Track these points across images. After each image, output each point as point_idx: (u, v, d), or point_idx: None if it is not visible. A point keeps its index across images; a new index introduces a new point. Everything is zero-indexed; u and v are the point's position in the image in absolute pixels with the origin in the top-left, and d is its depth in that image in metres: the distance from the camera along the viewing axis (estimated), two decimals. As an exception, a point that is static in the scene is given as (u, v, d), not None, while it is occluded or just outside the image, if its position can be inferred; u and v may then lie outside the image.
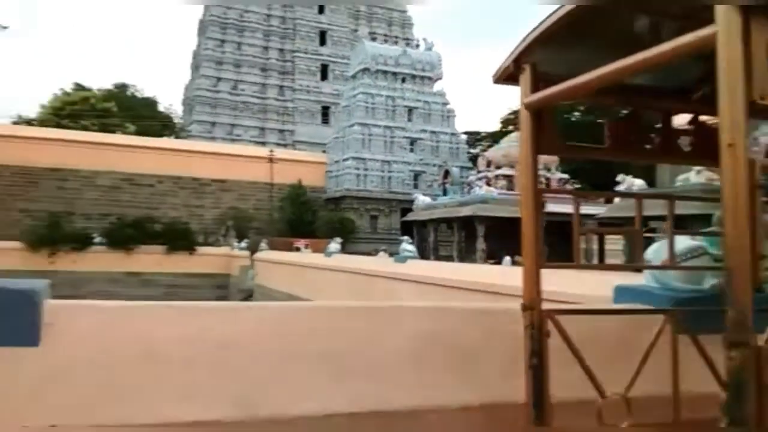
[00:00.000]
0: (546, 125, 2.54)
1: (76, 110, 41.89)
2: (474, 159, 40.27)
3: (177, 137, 48.79)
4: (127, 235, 32.64)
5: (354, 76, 42.40)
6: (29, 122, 42.83)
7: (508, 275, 8.93)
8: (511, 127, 42.16)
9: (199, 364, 2.84)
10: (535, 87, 2.47)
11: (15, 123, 41.67)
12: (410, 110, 40.90)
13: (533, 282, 2.51)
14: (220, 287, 34.11)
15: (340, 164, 40.11)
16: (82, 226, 32.99)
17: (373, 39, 45.70)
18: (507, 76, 2.63)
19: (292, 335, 2.91)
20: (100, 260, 31.08)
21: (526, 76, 2.52)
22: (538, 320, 2.48)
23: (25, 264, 27.76)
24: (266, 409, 2.69)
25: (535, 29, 2.40)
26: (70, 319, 2.86)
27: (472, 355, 2.94)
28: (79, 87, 47.46)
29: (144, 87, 67.34)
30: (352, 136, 39.46)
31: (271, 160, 38.34)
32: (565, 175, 30.62)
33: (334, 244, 24.12)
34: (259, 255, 30.52)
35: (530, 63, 2.52)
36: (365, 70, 40.93)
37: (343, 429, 2.79)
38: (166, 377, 2.77)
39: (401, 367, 2.84)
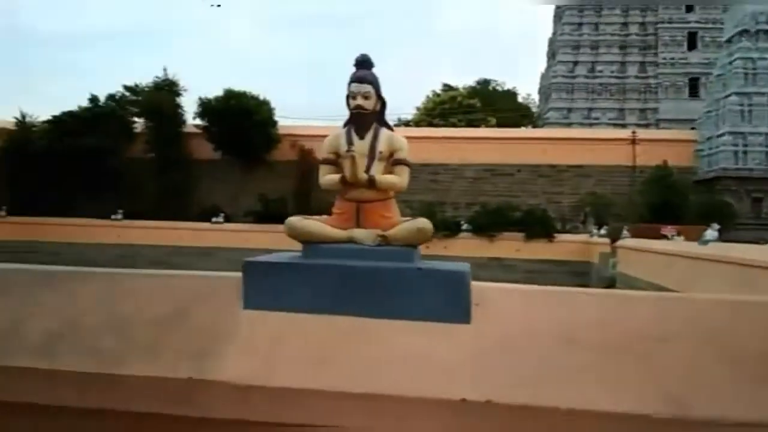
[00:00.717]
0: None
1: (445, 109, 45.93)
2: None
3: (534, 126, 49.79)
4: (489, 222, 34.51)
5: (729, 41, 37.21)
6: (407, 123, 48.57)
7: None
8: None
9: (624, 354, 2.85)
10: None
11: (395, 125, 47.69)
12: (802, 74, 34.24)
13: None
14: (578, 274, 33.71)
15: (713, 141, 35.80)
16: (452, 215, 36.09)
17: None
18: None
19: (722, 333, 2.76)
20: (466, 246, 33.56)
21: None
22: None
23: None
24: (698, 410, 2.60)
25: None
26: (496, 300, 3.15)
27: None
28: (447, 87, 51.97)
29: (505, 80, 70.42)
30: (728, 108, 34.80)
31: (633, 141, 36.29)
32: None
33: (711, 231, 21.62)
34: (620, 242, 29.26)
35: None
36: (744, 32, 35.58)
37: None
38: (588, 364, 2.86)
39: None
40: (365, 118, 3.48)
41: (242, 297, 3.29)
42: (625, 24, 46.88)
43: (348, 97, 3.53)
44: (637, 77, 46.58)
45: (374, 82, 3.52)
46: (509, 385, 2.84)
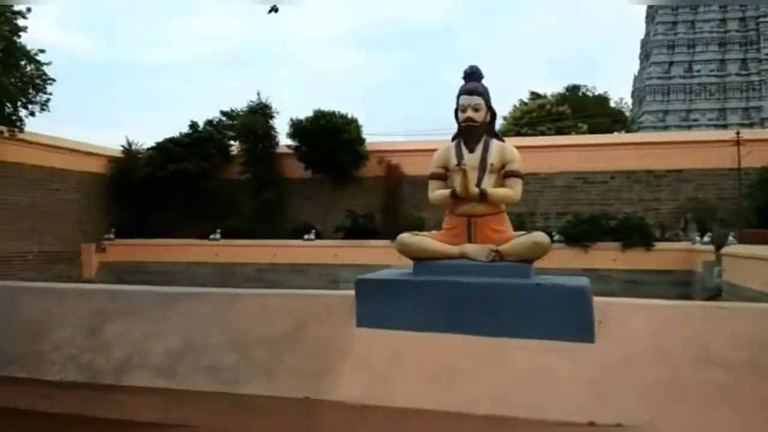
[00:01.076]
0: None
1: (533, 118, 45.04)
2: None
3: (627, 131, 47.91)
4: (582, 232, 33.38)
5: None
6: (494, 134, 47.66)
7: None
8: None
9: (764, 373, 2.62)
10: None
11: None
12: None
13: None
14: (679, 284, 31.94)
15: (828, 140, 33.18)
16: (543, 225, 35.18)
17: None
18: None
19: None
20: (560, 257, 32.29)
21: None
22: None
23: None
24: None
25: None
26: (620, 316, 2.97)
27: None
28: (534, 95, 51.00)
29: (595, 85, 68.23)
30: None
31: (737, 142, 34.14)
32: None
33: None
34: (725, 249, 27.53)
35: None
36: None
37: None
38: (724, 384, 2.65)
39: None
40: (475, 130, 3.40)
41: (355, 315, 3.27)
42: (723, 20, 44.54)
43: (457, 110, 3.46)
44: (738, 75, 44.07)
45: (484, 94, 3.43)
46: (640, 408, 2.66)
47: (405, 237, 3.36)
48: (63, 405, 3.36)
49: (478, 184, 3.33)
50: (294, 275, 30.13)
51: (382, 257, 28.98)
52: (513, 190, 3.38)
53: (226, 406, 3.15)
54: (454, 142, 3.51)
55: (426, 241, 3.33)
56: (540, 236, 3.20)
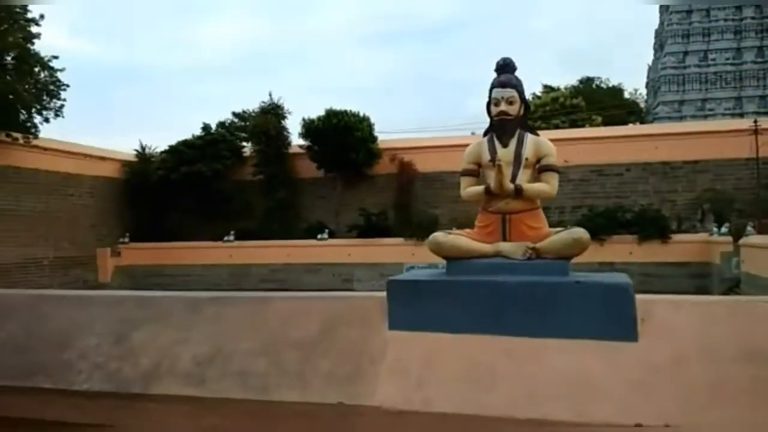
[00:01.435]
0: None
1: (547, 111, 44.72)
2: None
3: (642, 122, 47.46)
4: (598, 225, 33.07)
5: None
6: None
7: None
8: None
9: None
10: None
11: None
12: None
13: None
14: (696, 276, 31.60)
15: None
16: (557, 220, 34.87)
17: None
18: None
19: None
20: (576, 250, 32.28)
21: None
22: None
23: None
24: None
25: None
26: (664, 313, 2.86)
27: None
28: (548, 89, 50.61)
29: (609, 77, 67.41)
30: None
31: (755, 131, 33.65)
32: None
33: None
34: (744, 240, 27.19)
35: None
36: None
37: None
38: None
39: None
40: (509, 124, 3.28)
41: (387, 317, 3.17)
42: (738, 8, 43.95)
43: (489, 103, 3.34)
44: (754, 63, 43.51)
45: (518, 86, 3.32)
46: (686, 408, 2.55)
47: (438, 236, 3.25)
48: (91, 415, 3.30)
49: (513, 180, 3.22)
50: (308, 275, 30.13)
51: (396, 255, 29.11)
52: (549, 185, 3.27)
53: (258, 413, 3.07)
54: (487, 137, 3.40)
55: (460, 239, 3.22)
56: (579, 232, 3.09)
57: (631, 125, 45.04)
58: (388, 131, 35.72)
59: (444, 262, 3.32)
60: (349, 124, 31.31)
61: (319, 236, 31.44)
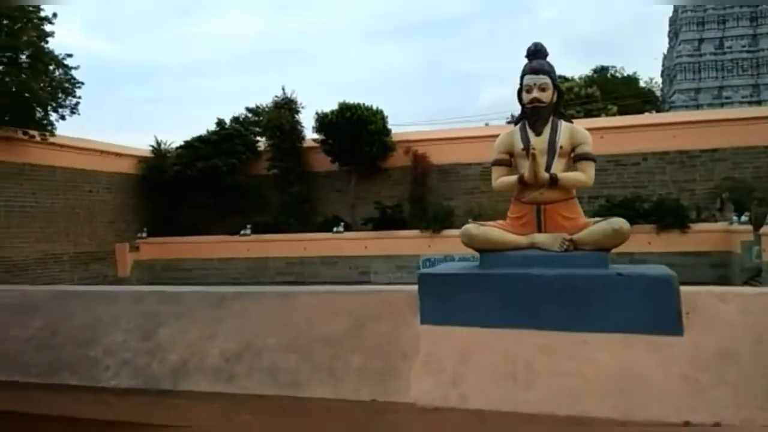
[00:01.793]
0: None
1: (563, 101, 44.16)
2: None
3: (658, 111, 46.92)
4: (615, 215, 32.44)
5: None
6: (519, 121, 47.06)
7: None
8: None
9: None
10: None
11: (509, 122, 46.64)
12: None
13: None
14: (717, 266, 31.25)
15: None
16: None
17: None
18: None
19: None
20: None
21: None
22: None
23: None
24: None
25: None
26: (710, 306, 2.77)
27: None
28: (562, 79, 50.05)
29: (623, 66, 66.35)
30: None
31: (771, 118, 33.17)
32: None
33: None
34: (765, 229, 26.83)
35: None
36: None
37: None
38: None
39: None
40: (542, 111, 3.18)
41: (419, 311, 3.10)
42: (755, -7, 43.20)
43: (520, 90, 3.25)
44: (773, 49, 42.74)
45: (551, 72, 3.22)
46: (739, 405, 2.45)
47: (471, 228, 3.16)
48: (119, 412, 3.26)
49: (547, 169, 3.12)
50: (325, 268, 30.17)
51: (412, 248, 29.05)
52: (585, 174, 3.17)
53: (289, 409, 3.02)
54: (518, 126, 3.30)
55: (493, 231, 3.13)
56: (620, 222, 2.98)
57: (647, 114, 44.53)
58: (400, 124, 35.56)
59: (473, 254, 3.23)
60: (362, 118, 31.21)
61: (335, 229, 31.43)
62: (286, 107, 33.71)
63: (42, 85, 25.68)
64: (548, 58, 3.32)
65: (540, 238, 3.08)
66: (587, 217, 3.14)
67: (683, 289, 2.79)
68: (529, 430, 2.64)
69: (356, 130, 30.82)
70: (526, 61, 3.29)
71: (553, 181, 3.08)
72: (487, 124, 40.45)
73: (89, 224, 30.20)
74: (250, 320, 3.39)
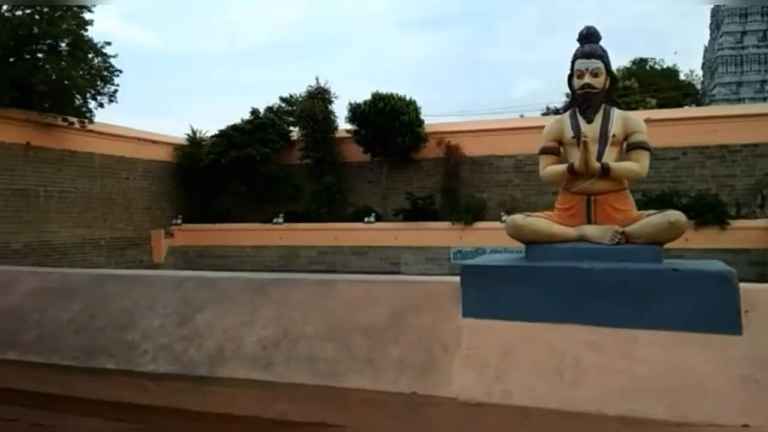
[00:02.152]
0: None
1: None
2: None
3: (698, 104, 45.75)
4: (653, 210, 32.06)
5: None
6: (556, 111, 46.62)
7: None
8: None
9: None
10: None
11: (544, 114, 46.05)
12: None
13: None
14: (756, 264, 30.39)
15: None
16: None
17: None
18: None
19: None
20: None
21: None
22: None
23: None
24: None
25: None
26: (771, 303, 2.61)
27: None
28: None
29: (663, 58, 64.78)
30: None
31: (819, 113, 32.07)
32: None
33: None
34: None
35: None
36: None
37: None
38: None
39: None
40: (594, 98, 3.05)
41: (461, 304, 3.01)
42: (804, -18, 41.72)
43: (571, 76, 3.11)
44: (820, 41, 41.31)
45: (604, 57, 3.08)
46: None
47: (517, 218, 3.05)
48: (157, 397, 3.25)
49: (599, 158, 2.99)
50: (356, 258, 30.22)
51: (443, 239, 28.90)
52: (639, 164, 3.03)
53: (326, 399, 2.96)
54: (568, 112, 3.17)
55: (540, 222, 3.02)
56: (676, 215, 2.84)
57: (687, 108, 43.46)
58: (432, 114, 35.33)
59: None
60: (395, 108, 31.05)
61: (366, 219, 31.43)
62: (320, 97, 33.72)
63: (81, 72, 26.11)
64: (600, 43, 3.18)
65: (590, 230, 2.96)
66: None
67: (742, 286, 2.66)
68: (575, 429, 2.54)
69: (389, 120, 30.68)
70: (577, 45, 3.16)
71: (605, 171, 2.95)
72: (522, 116, 39.97)
73: (126, 210, 30.73)
74: (288, 308, 3.34)
